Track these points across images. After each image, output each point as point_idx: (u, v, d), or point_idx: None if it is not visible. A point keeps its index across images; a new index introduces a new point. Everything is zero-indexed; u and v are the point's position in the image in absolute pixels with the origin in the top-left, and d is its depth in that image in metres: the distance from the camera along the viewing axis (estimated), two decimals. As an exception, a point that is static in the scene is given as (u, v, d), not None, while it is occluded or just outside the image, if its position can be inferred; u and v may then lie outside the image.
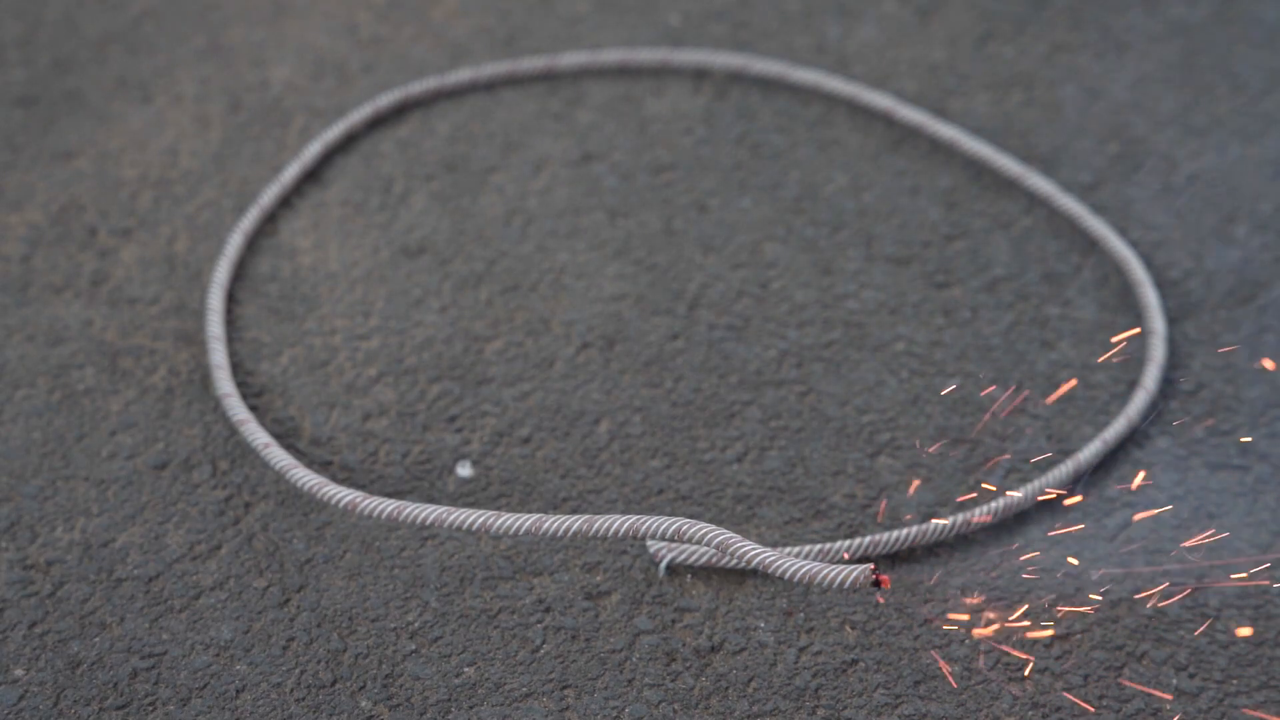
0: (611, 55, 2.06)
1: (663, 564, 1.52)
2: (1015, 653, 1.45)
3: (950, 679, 1.44)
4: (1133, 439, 1.63)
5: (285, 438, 1.64)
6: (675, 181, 1.92)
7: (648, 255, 1.83)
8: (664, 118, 2.00)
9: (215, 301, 1.74)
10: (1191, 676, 1.44)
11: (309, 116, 1.99)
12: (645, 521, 1.45)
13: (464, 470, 1.61)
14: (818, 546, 1.52)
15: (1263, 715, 1.41)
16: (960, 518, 1.54)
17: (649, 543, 1.53)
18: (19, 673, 1.45)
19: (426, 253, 1.83)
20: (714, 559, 1.51)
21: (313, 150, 1.92)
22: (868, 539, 1.52)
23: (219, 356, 1.67)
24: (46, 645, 1.46)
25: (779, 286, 1.79)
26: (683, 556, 1.52)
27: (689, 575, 1.52)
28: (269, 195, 1.86)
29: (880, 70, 2.06)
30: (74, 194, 1.89)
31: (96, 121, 1.99)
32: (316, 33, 2.12)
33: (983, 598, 1.49)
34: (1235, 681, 1.44)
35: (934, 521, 1.54)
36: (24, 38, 2.11)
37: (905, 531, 1.53)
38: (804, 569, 1.38)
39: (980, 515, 1.54)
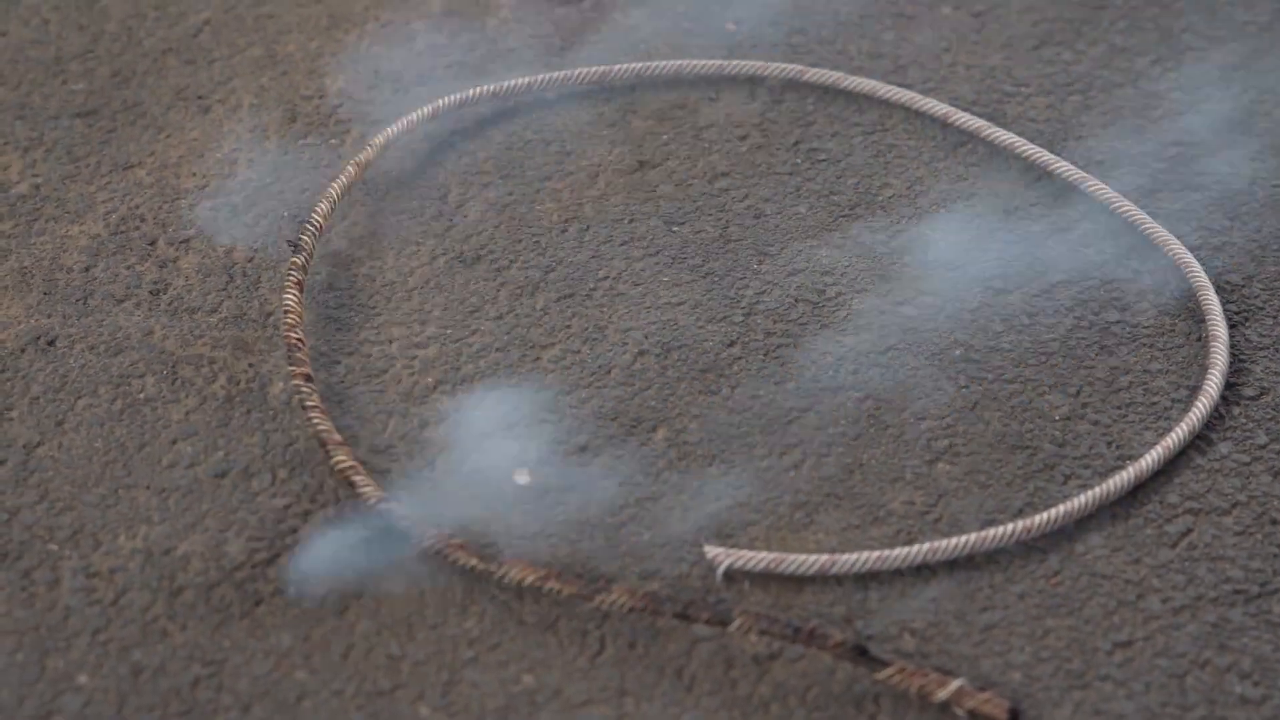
0: (667, 64, 2.06)
1: (720, 569, 1.52)
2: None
3: None
4: (1194, 445, 1.62)
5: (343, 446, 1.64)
6: (731, 188, 1.92)
7: (704, 262, 1.83)
8: (719, 124, 2.00)
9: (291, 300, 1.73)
10: (1255, 684, 1.43)
11: (365, 126, 2.00)
12: None
13: (521, 478, 1.61)
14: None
15: None
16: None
17: (706, 549, 1.53)
18: (83, 680, 1.46)
19: (483, 260, 1.84)
20: (772, 565, 1.51)
21: (378, 143, 1.92)
22: (927, 545, 1.52)
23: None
24: (109, 653, 1.48)
25: (835, 293, 1.79)
26: (740, 563, 1.52)
27: (747, 582, 1.52)
28: (336, 186, 1.86)
29: (936, 75, 2.05)
30: (134, 204, 1.91)
31: (155, 132, 2.00)
32: (372, 42, 2.13)
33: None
34: (1300, 689, 1.42)
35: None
36: (84, 50, 2.13)
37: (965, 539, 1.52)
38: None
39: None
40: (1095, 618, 1.48)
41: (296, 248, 1.74)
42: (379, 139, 1.92)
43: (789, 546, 1.54)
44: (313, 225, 1.78)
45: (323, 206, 1.81)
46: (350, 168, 1.87)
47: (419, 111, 1.97)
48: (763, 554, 1.51)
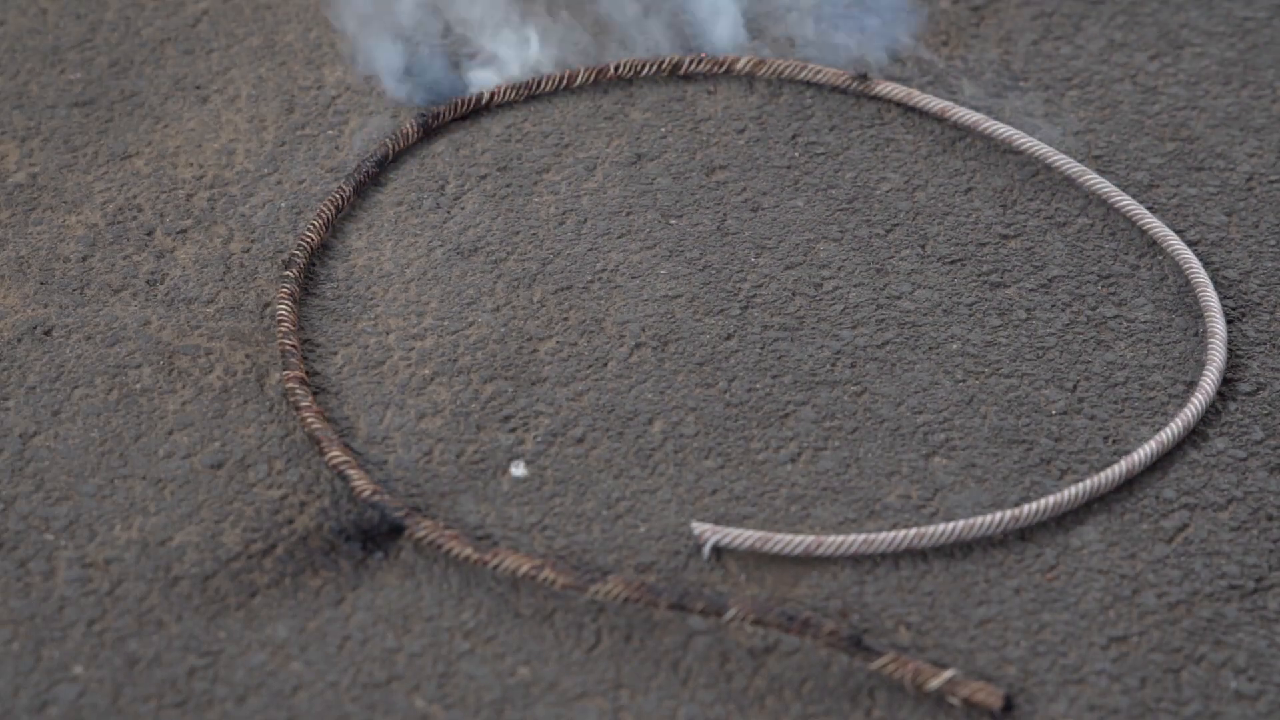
0: (665, 56, 2.05)
1: (706, 546, 1.52)
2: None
3: None
4: (1190, 440, 1.62)
5: (340, 437, 1.64)
6: (728, 181, 1.92)
7: (701, 255, 1.83)
8: (716, 117, 2.00)
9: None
10: (1250, 680, 1.43)
11: (363, 117, 2.00)
12: None
13: (518, 470, 1.62)
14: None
15: None
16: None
17: (693, 525, 1.53)
18: (78, 670, 1.46)
19: (480, 252, 1.84)
20: (758, 544, 1.51)
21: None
22: (913, 531, 1.52)
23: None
24: (105, 643, 1.48)
25: (832, 286, 1.79)
26: (726, 540, 1.52)
27: (743, 576, 1.52)
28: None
29: (934, 69, 2.05)
30: (131, 194, 1.91)
31: (153, 122, 2.00)
32: (370, 33, 2.13)
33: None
34: (1295, 685, 1.43)
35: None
36: (82, 39, 2.13)
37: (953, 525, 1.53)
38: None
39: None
40: (1091, 612, 1.48)
41: (288, 264, 1.76)
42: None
43: (785, 540, 1.55)
44: (306, 242, 1.80)
45: (317, 222, 1.82)
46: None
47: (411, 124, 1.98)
48: (749, 532, 1.52)
